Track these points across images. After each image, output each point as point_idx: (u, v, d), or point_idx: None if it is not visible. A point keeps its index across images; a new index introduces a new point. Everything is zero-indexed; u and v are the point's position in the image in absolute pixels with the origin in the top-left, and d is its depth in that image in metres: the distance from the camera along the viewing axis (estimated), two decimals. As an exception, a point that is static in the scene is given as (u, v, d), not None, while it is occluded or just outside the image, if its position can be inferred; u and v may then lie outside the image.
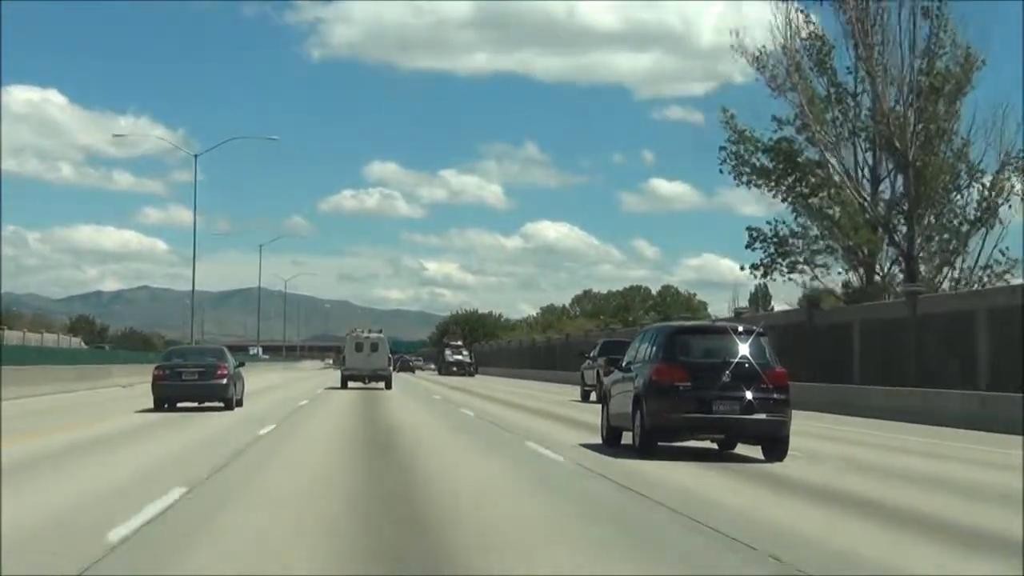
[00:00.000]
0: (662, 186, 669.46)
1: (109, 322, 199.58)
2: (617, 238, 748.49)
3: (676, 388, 17.61)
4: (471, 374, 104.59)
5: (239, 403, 32.85)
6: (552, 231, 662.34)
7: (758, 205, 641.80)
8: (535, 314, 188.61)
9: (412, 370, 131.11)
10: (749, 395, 17.49)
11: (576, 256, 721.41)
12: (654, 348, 18.62)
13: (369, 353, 54.31)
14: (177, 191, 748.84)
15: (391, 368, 55.63)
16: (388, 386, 53.30)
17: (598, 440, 20.66)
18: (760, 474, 16.01)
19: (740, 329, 18.85)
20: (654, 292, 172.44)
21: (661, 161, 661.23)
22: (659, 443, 18.07)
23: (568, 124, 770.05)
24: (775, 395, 17.70)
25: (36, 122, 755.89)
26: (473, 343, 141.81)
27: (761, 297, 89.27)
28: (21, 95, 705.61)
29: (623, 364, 20.35)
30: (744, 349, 17.94)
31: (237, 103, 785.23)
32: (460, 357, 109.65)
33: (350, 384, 54.17)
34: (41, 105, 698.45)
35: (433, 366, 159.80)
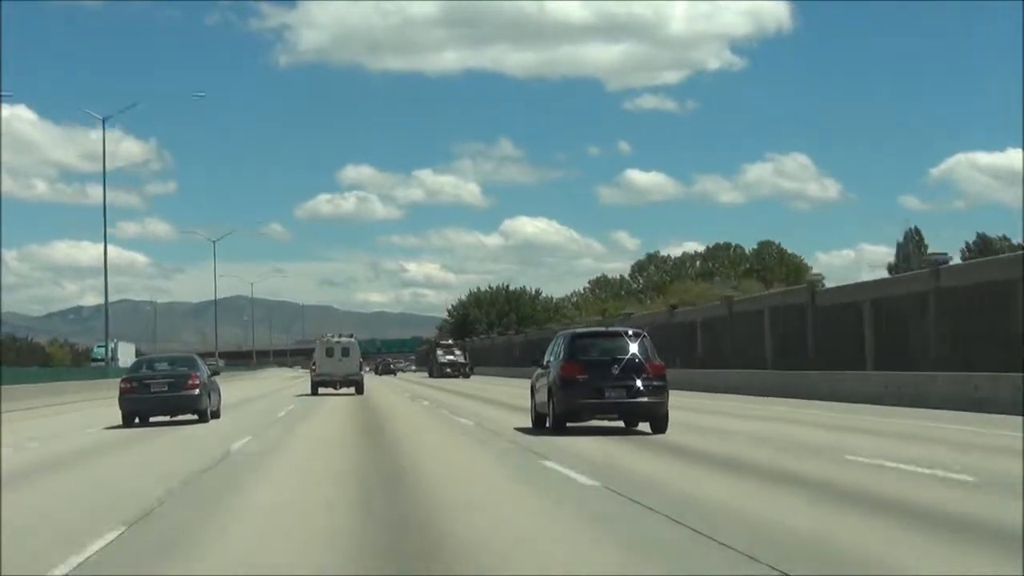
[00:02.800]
0: (638, 177, 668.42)
1: (89, 338, 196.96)
2: (597, 231, 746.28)
3: (577, 380, 21.93)
4: (466, 375, 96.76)
5: (215, 415, 30.79)
6: (530, 227, 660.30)
7: (736, 192, 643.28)
8: (582, 290, 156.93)
9: (393, 372, 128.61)
10: (635, 383, 21.72)
11: (556, 250, 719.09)
12: (561, 350, 22.84)
13: (340, 358, 53.52)
14: (153, 204, 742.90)
15: (362, 373, 54.87)
16: (360, 391, 52.63)
17: (530, 423, 25.04)
18: (642, 441, 20.60)
19: (630, 332, 23.48)
20: (748, 250, 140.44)
21: (637, 152, 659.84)
22: (568, 423, 22.55)
23: (542, 119, 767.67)
24: (655, 383, 21.94)
25: (8, 140, 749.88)
26: (508, 331, 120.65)
27: None
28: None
29: (544, 363, 24.04)
30: (633, 348, 22.28)
31: (207, 112, 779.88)
32: (453, 357, 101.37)
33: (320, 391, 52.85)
34: (11, 122, 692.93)
35: (415, 367, 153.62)
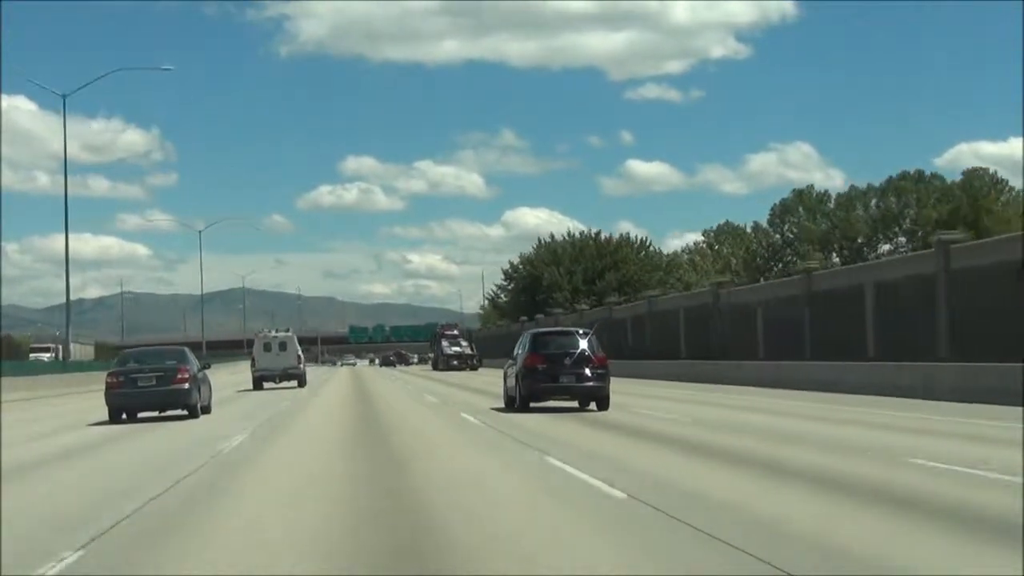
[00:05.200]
0: (640, 167, 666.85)
1: (89, 330, 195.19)
2: (599, 221, 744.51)
3: (538, 369, 27.25)
4: (474, 367, 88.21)
5: (205, 409, 29.62)
6: (532, 217, 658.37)
7: (739, 182, 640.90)
8: (699, 242, 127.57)
9: (393, 364, 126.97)
10: (584, 371, 27.12)
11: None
12: (526, 345, 28.11)
13: (278, 352, 54.33)
14: (155, 196, 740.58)
15: (302, 366, 55.17)
16: (302, 384, 53.26)
17: (502, 405, 29.93)
18: (585, 420, 24.72)
19: (581, 331, 29.08)
20: (949, 180, 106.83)
21: (639, 141, 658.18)
22: (531, 404, 27.66)
23: (544, 109, 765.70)
24: (599, 371, 27.27)
25: (8, 131, 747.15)
26: (614, 298, 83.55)
27: None
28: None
29: (514, 355, 29.07)
30: (583, 344, 27.59)
31: (208, 103, 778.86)
32: (460, 348, 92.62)
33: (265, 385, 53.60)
34: (10, 113, 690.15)
35: (416, 359, 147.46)
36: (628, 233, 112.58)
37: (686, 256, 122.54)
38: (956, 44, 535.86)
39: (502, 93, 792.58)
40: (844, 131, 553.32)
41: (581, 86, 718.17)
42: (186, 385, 27.82)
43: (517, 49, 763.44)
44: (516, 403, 27.92)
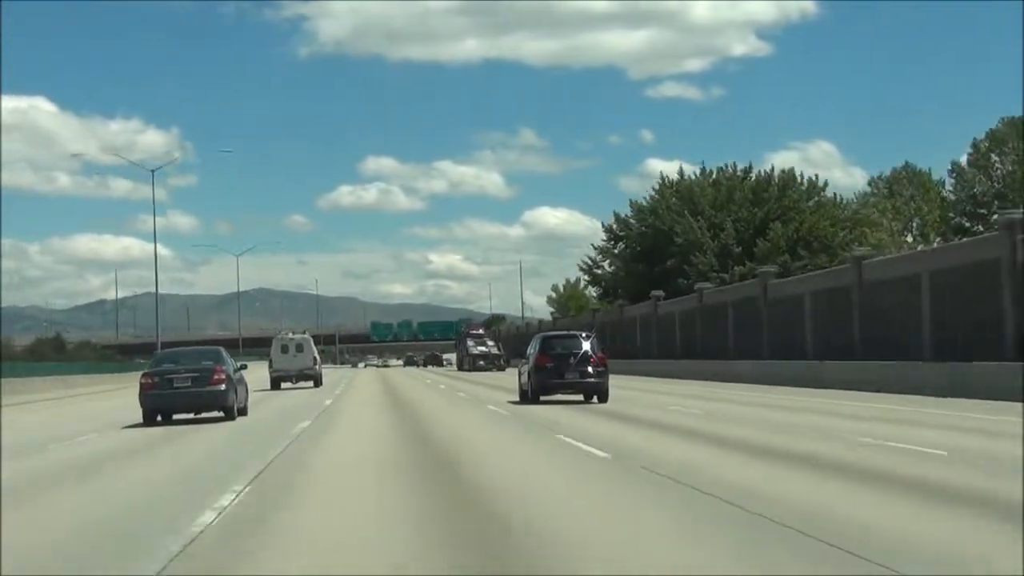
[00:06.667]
0: (660, 166, 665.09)
1: (112, 330, 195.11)
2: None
3: (546, 367, 31.66)
4: (501, 368, 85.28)
5: (242, 411, 28.86)
6: (552, 217, 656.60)
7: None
8: (879, 179, 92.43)
9: (416, 364, 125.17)
10: (586, 369, 31.37)
11: (580, 241, 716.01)
12: (536, 346, 32.56)
13: (295, 354, 56.41)
14: (176, 197, 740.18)
15: (318, 367, 57.37)
16: (317, 384, 55.44)
17: (517, 399, 34.00)
18: (587, 409, 28.91)
19: (584, 334, 33.50)
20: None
21: (659, 140, 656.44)
22: (541, 397, 31.98)
23: (563, 108, 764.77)
24: (599, 368, 31.54)
25: (28, 132, 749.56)
26: (798, 264, 66.44)
27: None
28: (8, 104, 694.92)
29: (526, 355, 33.88)
30: (585, 345, 31.88)
31: (227, 103, 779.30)
32: (486, 348, 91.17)
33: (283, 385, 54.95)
34: (30, 114, 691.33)
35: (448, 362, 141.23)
36: (792, 169, 78.54)
37: (867, 200, 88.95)
38: (980, 41, 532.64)
39: (521, 92, 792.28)
40: (865, 130, 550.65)
41: (600, 85, 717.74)
42: (223, 386, 27.06)
43: (536, 48, 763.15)
44: (529, 396, 32.33)
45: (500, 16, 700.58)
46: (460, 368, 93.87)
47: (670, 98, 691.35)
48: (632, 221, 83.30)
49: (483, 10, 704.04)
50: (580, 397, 32.03)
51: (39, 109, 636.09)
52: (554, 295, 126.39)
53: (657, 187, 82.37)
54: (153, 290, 79.87)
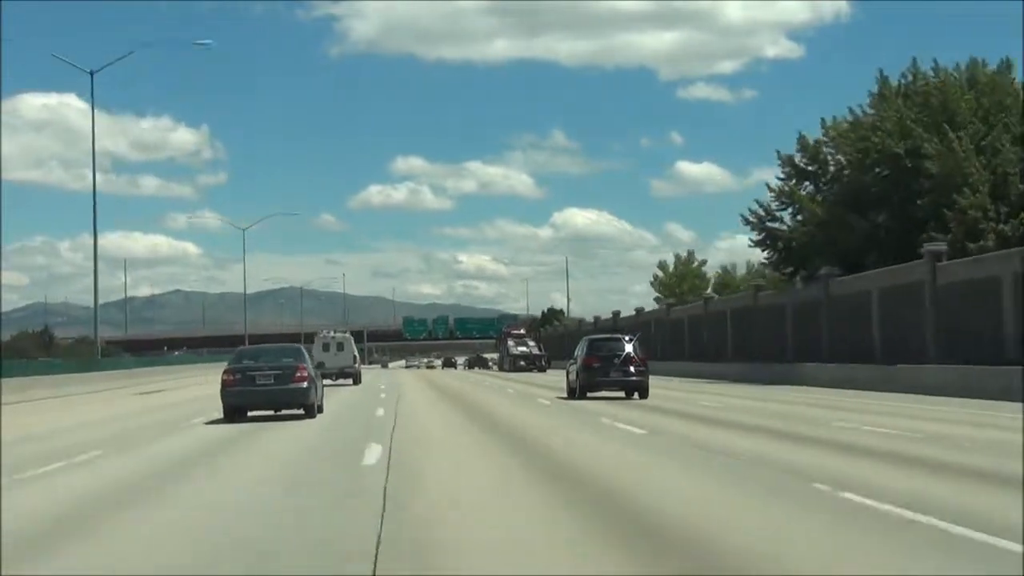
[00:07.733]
0: (690, 168, 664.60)
1: (143, 327, 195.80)
2: (649, 222, 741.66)
3: (593, 366, 35.07)
4: (542, 369, 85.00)
5: (320, 409, 28.52)
6: (581, 218, 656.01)
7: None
8: None
9: (453, 366, 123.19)
10: (629, 368, 34.67)
11: (609, 242, 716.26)
12: (584, 348, 36.06)
13: (336, 352, 59.64)
14: (205, 195, 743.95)
15: (357, 365, 60.43)
16: (356, 381, 57.83)
17: (565, 395, 37.82)
18: (628, 404, 32.20)
19: (627, 337, 36.63)
20: None
21: (689, 142, 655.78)
22: (588, 393, 35.30)
23: (594, 109, 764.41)
24: (640, 368, 34.87)
25: (58, 130, 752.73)
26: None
27: None
28: (37, 101, 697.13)
29: (574, 356, 37.28)
30: (628, 347, 35.15)
31: (257, 102, 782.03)
32: (527, 348, 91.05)
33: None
34: (60, 111, 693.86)
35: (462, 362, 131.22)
36: None
37: None
38: (1014, 42, 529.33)
39: (552, 93, 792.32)
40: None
41: (632, 86, 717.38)
42: (305, 384, 26.69)
43: (568, 49, 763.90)
44: (576, 393, 35.77)
45: (532, 16, 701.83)
46: (501, 368, 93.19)
47: (701, 99, 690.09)
48: (830, 149, 55.34)
49: (515, 10, 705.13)
50: (620, 393, 35.24)
51: (69, 107, 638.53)
52: (661, 273, 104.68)
53: (874, 93, 53.86)
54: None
